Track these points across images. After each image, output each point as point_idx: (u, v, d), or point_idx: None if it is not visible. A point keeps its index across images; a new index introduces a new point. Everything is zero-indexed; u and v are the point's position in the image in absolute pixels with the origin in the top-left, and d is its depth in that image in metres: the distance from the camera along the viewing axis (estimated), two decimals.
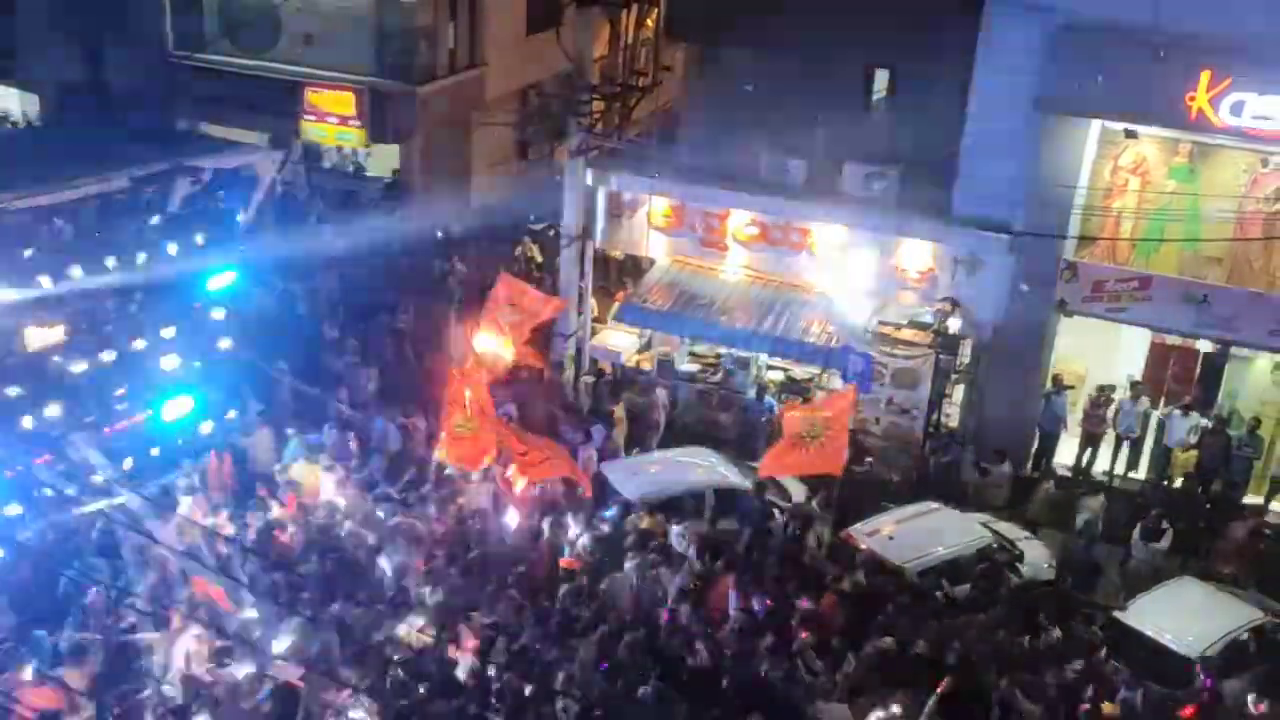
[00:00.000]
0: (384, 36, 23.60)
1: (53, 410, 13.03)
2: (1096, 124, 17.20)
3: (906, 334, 18.05)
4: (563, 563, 13.87)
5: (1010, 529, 15.93)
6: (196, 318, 14.80)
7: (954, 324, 18.00)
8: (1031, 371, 18.11)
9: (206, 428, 15.27)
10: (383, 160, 25.58)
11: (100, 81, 25.49)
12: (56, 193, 12.65)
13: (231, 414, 15.76)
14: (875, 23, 18.66)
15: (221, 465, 15.05)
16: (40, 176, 12.79)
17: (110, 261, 13.39)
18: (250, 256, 15.20)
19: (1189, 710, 12.46)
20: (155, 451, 14.50)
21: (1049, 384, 18.33)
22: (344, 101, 23.60)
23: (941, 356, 17.70)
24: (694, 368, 19.80)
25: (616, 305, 20.01)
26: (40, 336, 12.96)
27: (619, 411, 18.31)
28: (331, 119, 23.75)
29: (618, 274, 22.03)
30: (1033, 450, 18.50)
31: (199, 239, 14.41)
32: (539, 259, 23.13)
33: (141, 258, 13.72)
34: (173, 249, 14.04)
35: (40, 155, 15.18)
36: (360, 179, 26.51)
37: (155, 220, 13.86)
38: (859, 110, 20.21)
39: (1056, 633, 13.26)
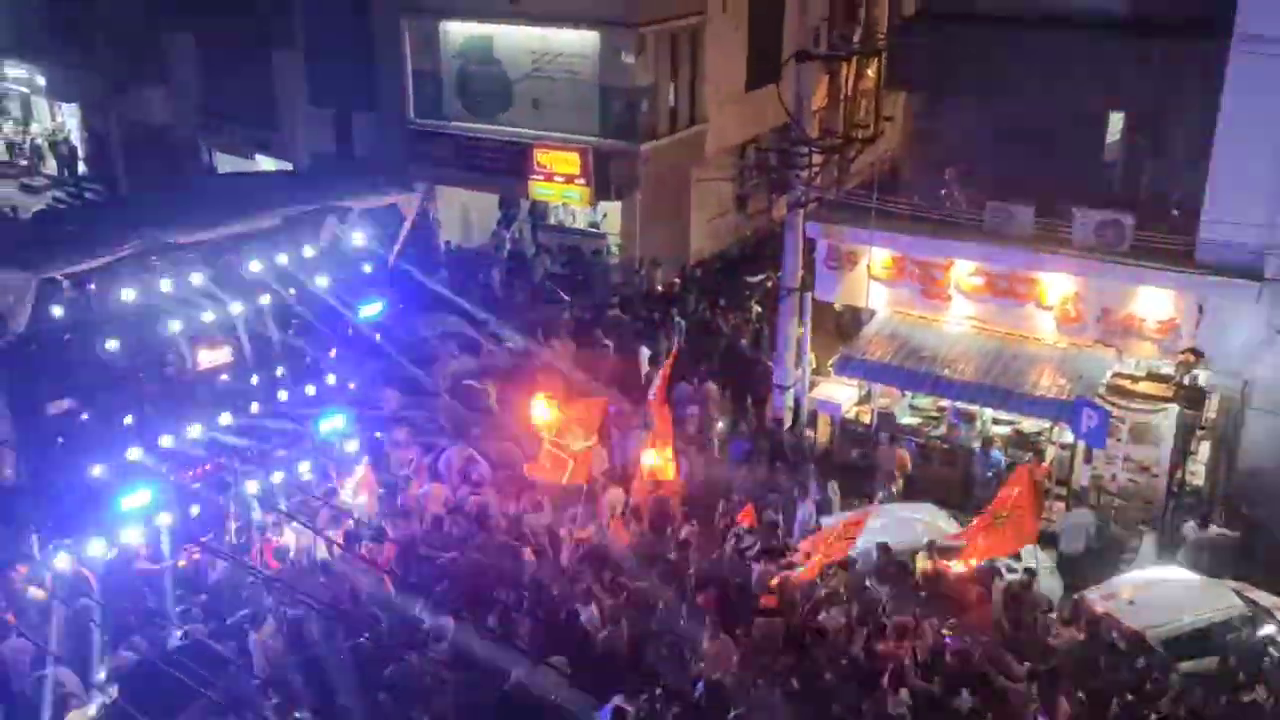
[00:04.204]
0: (608, 98, 24.43)
1: (225, 419, 14.11)
2: None
3: (1145, 386, 17.12)
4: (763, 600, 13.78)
5: (1268, 597, 14.75)
6: (350, 343, 15.71)
7: (1200, 376, 16.95)
8: None
9: (354, 444, 16.13)
10: (615, 217, 26.38)
11: (348, 148, 27.49)
12: (215, 230, 13.71)
13: (379, 434, 16.57)
14: (1109, 63, 18.00)
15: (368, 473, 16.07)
16: (205, 217, 13.90)
17: (265, 298, 14.43)
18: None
19: None
20: (307, 466, 15.47)
21: None
22: (569, 161, 24.51)
23: (1185, 411, 16.68)
24: (915, 420, 19.37)
25: (835, 357, 19.83)
26: (209, 357, 14.04)
27: (903, 462, 18.06)
28: (558, 178, 24.70)
29: (836, 326, 21.87)
30: None
31: (347, 272, 15.30)
32: (759, 310, 23.23)
33: (292, 290, 14.73)
34: (324, 281, 14.94)
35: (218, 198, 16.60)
36: (584, 235, 27.44)
37: (309, 254, 14.82)
38: (1091, 154, 19.46)
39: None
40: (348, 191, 15.59)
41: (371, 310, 15.77)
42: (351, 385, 15.66)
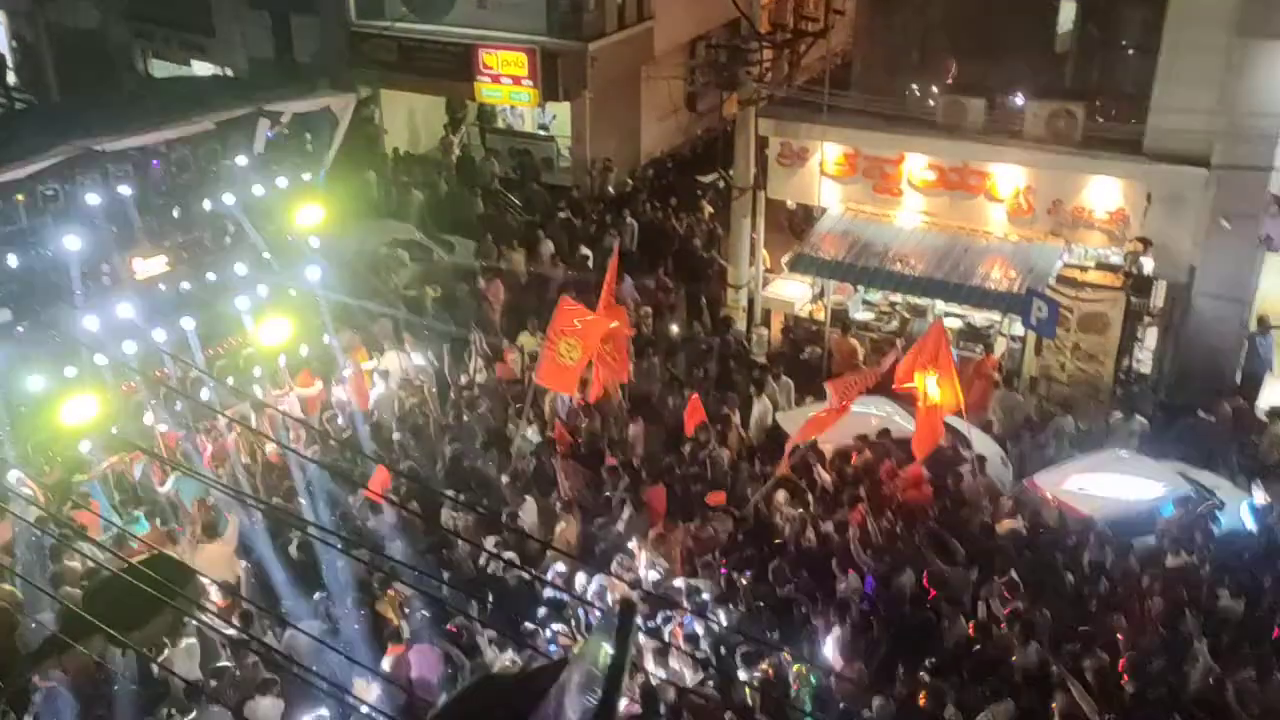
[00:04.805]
0: None
1: (159, 335, 13.85)
2: None
3: (1094, 276, 17.25)
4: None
5: (1209, 477, 15.09)
6: (288, 250, 15.48)
7: (1146, 265, 17.11)
8: (1233, 312, 17.04)
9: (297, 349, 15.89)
10: (565, 119, 25.93)
11: (288, 53, 26.71)
12: (144, 135, 13.41)
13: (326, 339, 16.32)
14: None
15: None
16: (135, 123, 13.57)
17: (205, 202, 14.24)
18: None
19: None
20: (251, 372, 15.31)
21: (1254, 325, 17.26)
22: (517, 62, 23.98)
23: (1133, 299, 16.87)
24: (868, 316, 19.46)
25: (789, 255, 19.79)
26: (145, 267, 13.91)
27: (854, 351, 18.06)
28: (505, 80, 24.18)
29: (788, 224, 21.79)
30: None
31: (282, 178, 14.97)
32: (711, 210, 23.07)
33: (230, 196, 14.46)
34: (258, 187, 14.66)
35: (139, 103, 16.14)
36: (533, 138, 27.00)
37: (242, 160, 14.45)
38: (1042, 45, 19.34)
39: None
40: (280, 95, 15.21)
41: (309, 216, 15.49)
42: (292, 292, 15.40)
